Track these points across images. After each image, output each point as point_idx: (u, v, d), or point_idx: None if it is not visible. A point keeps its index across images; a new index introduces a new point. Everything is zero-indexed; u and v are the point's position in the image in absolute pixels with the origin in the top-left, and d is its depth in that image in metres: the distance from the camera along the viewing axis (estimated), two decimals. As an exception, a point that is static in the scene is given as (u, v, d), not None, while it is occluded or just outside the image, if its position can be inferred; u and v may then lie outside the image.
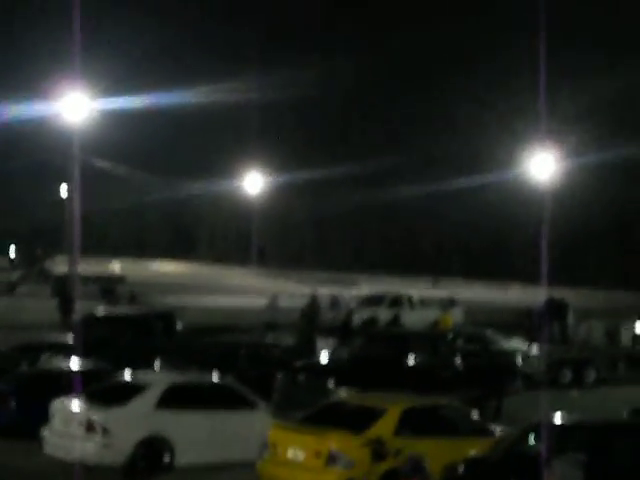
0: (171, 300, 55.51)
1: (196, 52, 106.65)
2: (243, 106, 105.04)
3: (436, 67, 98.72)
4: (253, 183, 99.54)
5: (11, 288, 68.51)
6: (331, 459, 15.06)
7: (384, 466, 15.10)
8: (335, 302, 43.84)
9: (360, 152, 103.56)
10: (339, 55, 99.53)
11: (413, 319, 41.53)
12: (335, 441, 15.18)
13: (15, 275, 77.29)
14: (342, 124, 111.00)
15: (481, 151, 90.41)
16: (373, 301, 45.78)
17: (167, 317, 30.91)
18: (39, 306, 49.89)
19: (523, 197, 76.67)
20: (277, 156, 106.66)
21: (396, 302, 45.28)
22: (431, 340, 26.43)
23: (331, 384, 21.89)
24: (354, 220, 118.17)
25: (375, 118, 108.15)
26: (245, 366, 23.47)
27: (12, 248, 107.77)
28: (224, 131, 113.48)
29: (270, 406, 19.68)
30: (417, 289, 60.93)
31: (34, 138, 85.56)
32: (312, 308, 39.09)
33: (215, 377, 19.49)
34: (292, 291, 68.12)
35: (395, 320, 39.75)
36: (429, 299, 48.56)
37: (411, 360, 23.83)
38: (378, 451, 15.14)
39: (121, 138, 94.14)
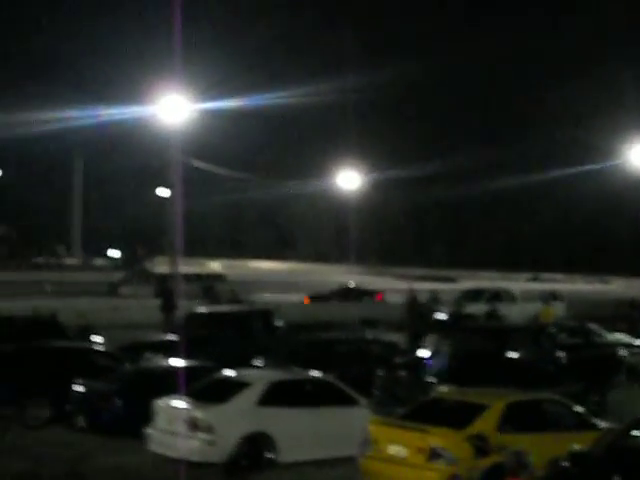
0: (270, 298, 55.86)
1: (290, 52, 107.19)
2: (338, 104, 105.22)
3: (530, 59, 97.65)
4: (349, 180, 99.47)
5: (114, 289, 69.68)
6: (434, 455, 14.99)
7: (487, 462, 14.98)
8: (434, 298, 43.64)
9: (457, 147, 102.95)
10: (436, 51, 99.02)
11: (514, 313, 41.11)
12: (437, 437, 15.11)
13: (117, 276, 78.60)
14: (438, 119, 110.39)
15: (579, 142, 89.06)
16: (473, 296, 45.48)
17: (267, 315, 31.10)
18: (141, 306, 50.69)
19: (624, 188, 75.29)
20: (373, 153, 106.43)
21: (496, 297, 44.93)
22: (533, 334, 25.98)
23: (432, 380, 21.74)
24: (451, 215, 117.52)
25: (471, 112, 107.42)
26: (345, 363, 23.45)
27: (113, 249, 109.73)
28: (319, 130, 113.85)
29: (371, 402, 19.67)
30: (517, 283, 60.36)
31: (134, 140, 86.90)
32: (413, 304, 39.06)
33: (316, 374, 19.55)
34: (390, 287, 68.04)
35: (493, 314, 39.39)
36: (529, 293, 48.05)
37: (513, 354, 23.51)
38: (481, 447, 15.02)
39: (219, 139, 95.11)
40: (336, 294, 50.79)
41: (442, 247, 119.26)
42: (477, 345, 24.27)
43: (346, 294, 49.20)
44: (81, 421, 20.53)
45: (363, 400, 19.09)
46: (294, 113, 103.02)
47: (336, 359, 23.62)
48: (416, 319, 36.07)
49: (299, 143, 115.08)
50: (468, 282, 69.97)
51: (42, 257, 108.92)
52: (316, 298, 48.05)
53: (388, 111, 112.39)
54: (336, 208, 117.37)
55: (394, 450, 15.42)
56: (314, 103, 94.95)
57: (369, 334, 30.18)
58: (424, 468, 15.01)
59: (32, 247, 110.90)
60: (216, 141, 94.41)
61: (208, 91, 59.25)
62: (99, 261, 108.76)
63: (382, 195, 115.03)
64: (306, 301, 48.28)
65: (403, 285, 58.55)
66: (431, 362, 23.17)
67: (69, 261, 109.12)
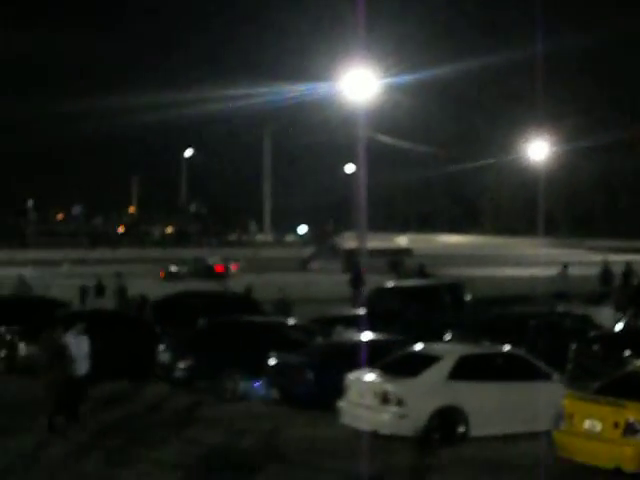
0: (459, 272, 55.60)
1: (474, 23, 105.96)
2: (524, 73, 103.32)
3: None
4: (538, 151, 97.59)
5: (304, 264, 70.79)
6: (630, 430, 14.64)
7: (687, 437, 14.52)
8: (629, 270, 42.35)
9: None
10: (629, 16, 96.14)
11: None
12: (634, 411, 14.74)
13: (307, 251, 79.79)
14: (631, 85, 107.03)
15: None
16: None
17: (456, 289, 30.97)
18: (331, 280, 51.31)
19: None
20: (562, 123, 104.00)
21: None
22: None
23: (627, 353, 21.18)
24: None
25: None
26: (536, 337, 23.11)
27: (302, 226, 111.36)
28: (505, 101, 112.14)
29: (564, 377, 19.34)
30: None
31: (322, 117, 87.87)
32: (609, 276, 38.02)
33: (507, 348, 19.35)
34: (582, 260, 66.63)
35: None
36: None
37: None
38: (680, 422, 14.56)
39: (404, 114, 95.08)
40: None
41: (636, 216, 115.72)
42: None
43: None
44: (275, 394, 20.96)
45: (556, 375, 18.78)
46: (479, 84, 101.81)
47: (528, 333, 23.30)
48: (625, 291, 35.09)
49: (485, 115, 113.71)
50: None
51: (234, 234, 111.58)
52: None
53: (577, 78, 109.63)
54: (525, 180, 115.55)
55: (589, 425, 15.14)
56: (499, 74, 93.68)
57: (560, 308, 29.65)
58: (619, 443, 14.69)
59: (224, 225, 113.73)
60: (402, 116, 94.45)
61: (391, 66, 59.25)
62: (289, 237, 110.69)
63: (572, 166, 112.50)
64: None
65: (596, 257, 57.23)
66: None
67: (260, 238, 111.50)
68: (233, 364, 22.13)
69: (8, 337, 25.28)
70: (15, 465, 16.16)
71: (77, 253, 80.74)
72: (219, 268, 62.80)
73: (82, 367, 19.52)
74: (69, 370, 19.03)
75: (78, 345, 19.49)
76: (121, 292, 34.92)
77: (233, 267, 63.98)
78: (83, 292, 35.14)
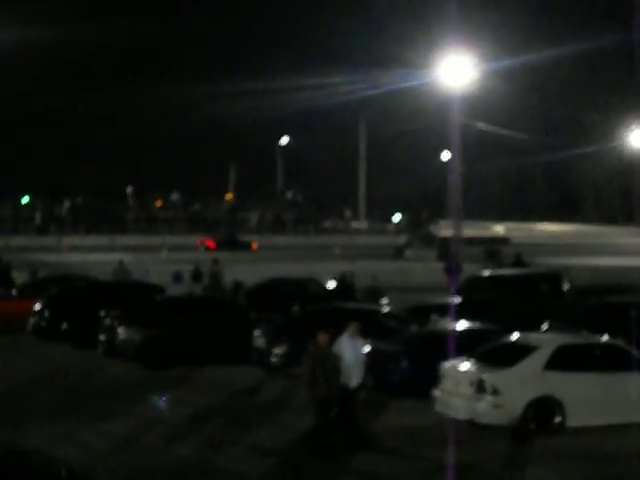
0: (557, 261, 54.91)
1: (568, 8, 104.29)
2: (620, 59, 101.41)
3: None
4: (635, 139, 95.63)
5: (399, 252, 70.63)
6: None
7: None
8: None
9: None
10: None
11: None
12: None
13: (402, 239, 79.61)
14: None
15: None
16: None
17: (554, 278, 30.56)
18: (426, 268, 51.13)
19: None
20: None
21: None
22: None
23: None
24: None
25: None
26: (635, 327, 22.69)
27: (397, 214, 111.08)
28: (599, 88, 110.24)
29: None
30: None
31: (416, 104, 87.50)
32: None
33: (605, 338, 19.05)
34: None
35: None
36: None
37: None
38: None
39: (499, 100, 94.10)
40: None
41: None
42: None
43: None
44: (369, 381, 20.95)
45: (655, 366, 18.47)
46: (576, 71, 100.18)
47: (627, 323, 22.89)
48: None
49: (583, 102, 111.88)
50: None
51: (330, 221, 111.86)
52: None
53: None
54: (624, 168, 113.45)
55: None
56: (595, 60, 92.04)
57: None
58: None
59: (320, 212, 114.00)
60: (497, 103, 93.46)
61: (487, 52, 58.70)
62: (385, 225, 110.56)
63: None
64: None
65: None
66: None
67: (356, 225, 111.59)
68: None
69: (108, 321, 25.75)
70: (114, 448, 16.45)
71: (175, 239, 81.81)
72: None
73: (355, 376, 16.53)
74: (337, 383, 15.96)
75: (354, 350, 16.57)
76: (216, 278, 35.25)
77: None
78: (176, 277, 35.63)
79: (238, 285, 33.48)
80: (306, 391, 16.14)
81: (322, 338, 16.09)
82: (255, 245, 79.98)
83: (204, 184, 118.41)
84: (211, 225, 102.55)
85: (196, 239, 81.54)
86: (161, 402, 20.65)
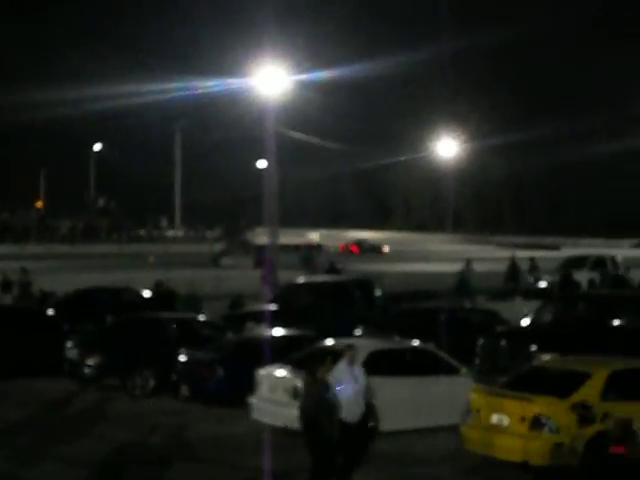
0: (369, 267, 55.93)
1: (382, 23, 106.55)
2: (430, 73, 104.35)
3: None
4: (446, 149, 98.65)
5: (215, 260, 70.47)
6: (536, 424, 14.86)
7: (591, 431, 14.80)
8: (533, 266, 43.14)
9: (557, 113, 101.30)
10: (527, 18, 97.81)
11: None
12: (540, 406, 14.97)
13: (218, 247, 79.48)
14: (536, 85, 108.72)
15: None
16: (576, 263, 44.72)
17: (366, 284, 31.09)
18: (242, 276, 51.18)
19: None
20: (470, 121, 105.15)
21: (599, 264, 44.17)
22: (638, 301, 25.36)
23: (533, 348, 21.53)
24: (552, 182, 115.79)
25: (572, 79, 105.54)
26: (445, 332, 23.36)
27: (214, 221, 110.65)
28: (414, 99, 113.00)
29: (472, 371, 19.58)
30: (620, 250, 59.35)
31: (233, 112, 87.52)
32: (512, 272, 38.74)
33: (416, 343, 19.51)
34: (489, 256, 67.57)
35: (593, 281, 38.77)
36: (633, 260, 47.22)
37: (617, 322, 23.06)
38: (585, 415, 14.84)
39: (314, 111, 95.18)
40: None
41: (542, 213, 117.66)
42: (580, 313, 23.93)
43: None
44: (185, 390, 20.85)
45: (464, 369, 19.02)
46: (388, 83, 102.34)
47: (437, 328, 23.54)
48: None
49: (395, 113, 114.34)
50: (570, 249, 69.13)
51: (144, 229, 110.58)
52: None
53: (483, 79, 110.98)
54: (433, 177, 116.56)
55: (496, 419, 15.34)
56: (407, 73, 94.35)
57: (467, 303, 29.99)
58: (527, 437, 14.90)
59: (134, 220, 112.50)
60: (312, 113, 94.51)
61: (303, 63, 59.40)
62: (200, 233, 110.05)
63: (481, 162, 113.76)
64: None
65: (504, 253, 58.09)
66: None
67: (171, 233, 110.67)
68: (142, 360, 21.97)
69: None
70: None
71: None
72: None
73: (356, 410, 14.69)
74: (335, 420, 14.12)
75: (355, 380, 14.82)
76: (24, 287, 34.27)
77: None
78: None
79: (45, 295, 32.64)
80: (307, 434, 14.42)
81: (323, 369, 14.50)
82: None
83: (12, 191, 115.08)
84: (20, 234, 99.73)
85: (4, 249, 79.03)
86: None
